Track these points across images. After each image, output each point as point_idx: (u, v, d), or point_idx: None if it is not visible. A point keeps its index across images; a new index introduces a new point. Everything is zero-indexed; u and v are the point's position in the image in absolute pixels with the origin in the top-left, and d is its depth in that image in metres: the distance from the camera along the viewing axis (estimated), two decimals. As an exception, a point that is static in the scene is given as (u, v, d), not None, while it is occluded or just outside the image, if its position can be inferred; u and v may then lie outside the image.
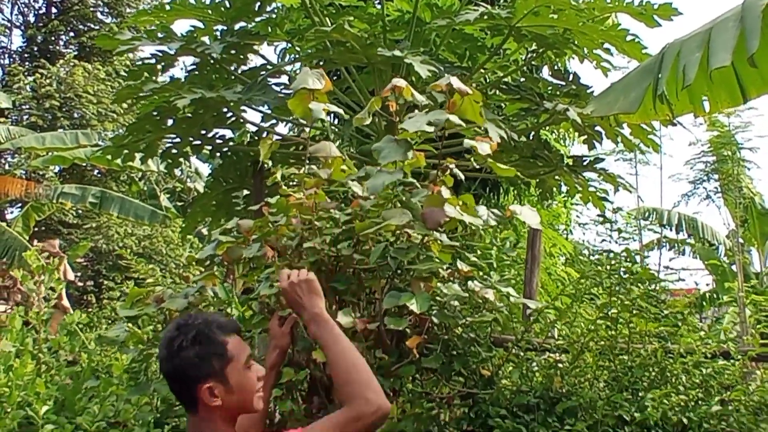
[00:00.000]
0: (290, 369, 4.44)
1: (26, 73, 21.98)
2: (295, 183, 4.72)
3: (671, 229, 15.66)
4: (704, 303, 14.19)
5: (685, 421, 4.56)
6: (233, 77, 7.40)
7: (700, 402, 4.72)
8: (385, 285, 4.42)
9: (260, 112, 7.61)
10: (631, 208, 15.54)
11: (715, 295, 14.66)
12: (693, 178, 15.57)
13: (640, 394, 4.76)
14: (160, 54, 7.20)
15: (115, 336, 4.99)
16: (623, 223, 15.57)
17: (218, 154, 8.14)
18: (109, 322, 5.78)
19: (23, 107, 20.92)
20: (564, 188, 7.95)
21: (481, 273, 4.88)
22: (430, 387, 4.69)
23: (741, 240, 14.71)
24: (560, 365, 5.09)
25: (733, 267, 14.65)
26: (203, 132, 7.57)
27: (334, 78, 7.27)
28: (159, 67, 7.28)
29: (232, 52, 7.16)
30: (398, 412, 4.41)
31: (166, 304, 4.71)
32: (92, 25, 23.79)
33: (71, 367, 5.37)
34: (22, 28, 25.50)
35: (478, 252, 5.29)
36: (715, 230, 15.99)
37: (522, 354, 5.00)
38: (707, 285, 16.08)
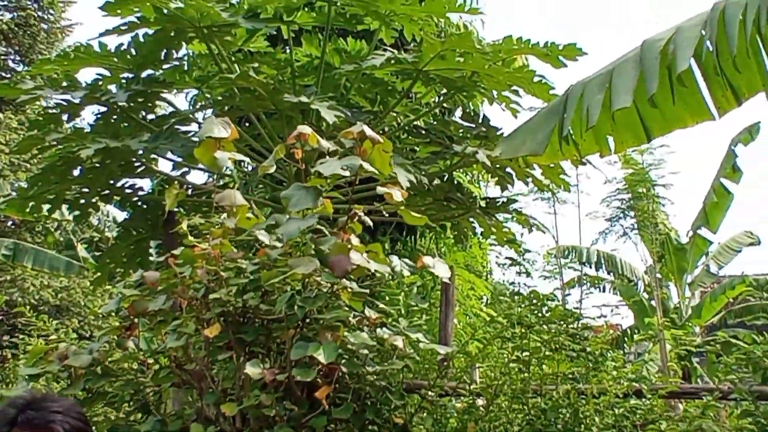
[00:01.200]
0: (197, 425, 4.40)
1: None
2: (204, 233, 4.69)
3: (591, 267, 15.78)
4: (626, 339, 14.44)
5: None
6: (141, 125, 7.28)
7: None
8: (293, 335, 4.36)
9: (171, 160, 7.52)
10: (551, 246, 15.76)
11: (636, 331, 14.91)
12: (610, 216, 15.84)
13: None
14: (65, 103, 7.09)
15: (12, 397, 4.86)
16: (543, 263, 15.75)
17: (128, 204, 8.02)
18: (8, 383, 5.54)
19: None
20: (479, 230, 8.04)
21: (390, 320, 4.87)
22: None
23: (659, 275, 14.95)
24: (474, 410, 5.09)
25: (653, 302, 14.91)
26: (111, 182, 7.44)
27: (246, 125, 7.24)
28: (64, 117, 7.18)
29: (139, 100, 7.07)
30: None
31: (69, 361, 4.60)
32: (3, 74, 23.62)
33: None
34: None
35: (387, 299, 5.30)
36: (634, 266, 16.14)
37: (437, 400, 4.99)
38: (623, 320, 16.40)
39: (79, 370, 4.62)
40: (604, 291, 16.53)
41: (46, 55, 22.20)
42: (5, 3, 25.12)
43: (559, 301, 8.34)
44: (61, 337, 5.94)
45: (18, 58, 24.31)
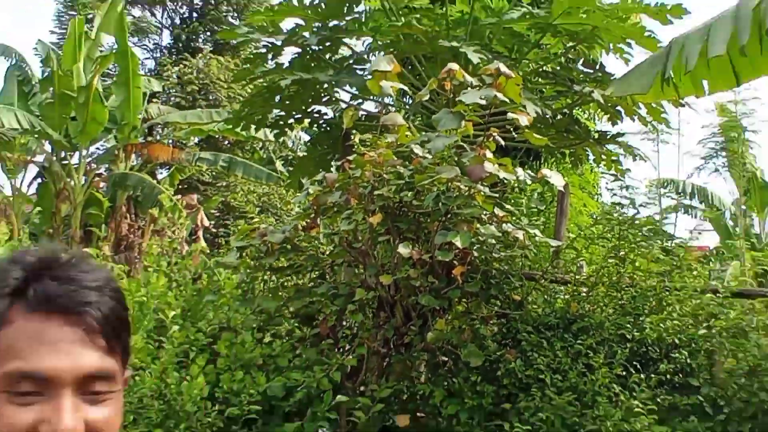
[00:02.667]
0: (362, 289, 4.68)
1: (173, 64, 22.27)
2: (372, 146, 4.90)
3: (686, 197, 15.56)
4: (712, 258, 14.14)
5: (676, 341, 4.62)
6: (327, 64, 7.43)
7: (689, 326, 4.76)
8: (437, 225, 4.58)
9: (348, 92, 7.65)
10: (653, 178, 15.55)
11: (721, 252, 14.65)
12: (704, 155, 15.52)
13: (640, 319, 4.81)
14: (270, 45, 7.33)
15: (229, 261, 5.31)
16: (645, 191, 15.47)
17: (315, 126, 8.23)
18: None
19: (170, 91, 21.38)
20: (591, 158, 8.00)
21: (514, 218, 4.94)
22: (473, 308, 4.78)
23: (743, 207, 14.58)
24: (577, 294, 5.14)
25: (737, 229, 14.61)
26: (303, 108, 7.66)
27: (408, 68, 7.39)
28: (269, 56, 7.40)
29: (327, 44, 7.23)
30: (447, 327, 4.59)
31: (267, 238, 4.96)
32: (224, 26, 24.19)
33: (195, 285, 5.62)
34: (170, 29, 25.67)
35: (512, 201, 5.41)
36: (722, 198, 15.75)
37: (548, 284, 5.08)
38: (713, 244, 16.14)
39: (275, 245, 4.94)
40: (695, 217, 16.11)
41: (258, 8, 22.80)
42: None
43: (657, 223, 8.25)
44: (262, 220, 6.35)
45: (235, 14, 24.81)
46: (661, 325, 4.80)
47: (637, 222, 5.53)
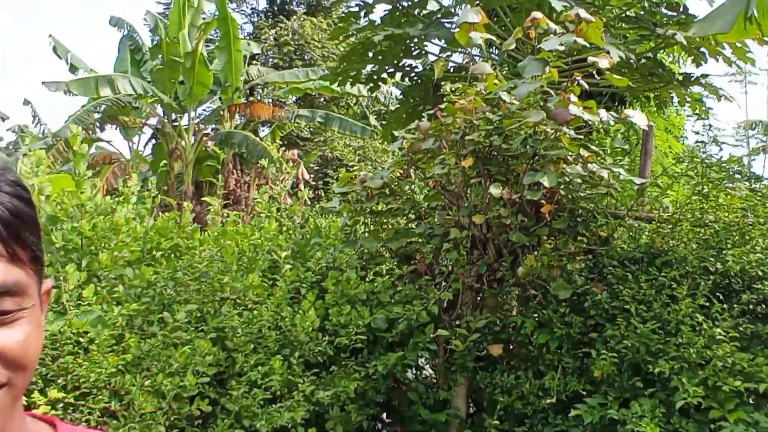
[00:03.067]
0: (456, 229, 4.78)
1: (269, 27, 22.62)
2: (462, 94, 4.94)
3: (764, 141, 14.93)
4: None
5: (759, 273, 4.52)
6: (416, 19, 7.33)
7: None
8: (525, 167, 4.57)
9: (438, 45, 7.57)
10: (741, 120, 14.94)
11: None
12: None
13: (723, 252, 4.72)
14: (362, 3, 7.34)
15: (332, 206, 5.48)
16: (732, 132, 14.95)
17: (407, 79, 8.18)
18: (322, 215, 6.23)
19: (268, 53, 21.55)
20: (676, 101, 7.82)
21: (599, 158, 4.90)
22: (561, 244, 4.75)
23: None
24: (661, 230, 5.07)
25: None
26: (395, 62, 7.63)
27: (494, 19, 7.33)
28: (362, 13, 7.37)
29: (415, 0, 7.26)
30: (537, 263, 4.61)
31: (367, 183, 5.06)
32: None
33: (302, 229, 5.81)
34: None
35: (597, 142, 5.37)
36: None
37: (632, 222, 5.04)
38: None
39: (374, 190, 5.01)
40: None
41: None
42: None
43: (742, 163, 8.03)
44: (361, 167, 6.48)
45: None
46: (744, 258, 4.63)
47: (721, 161, 5.43)
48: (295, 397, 4.15)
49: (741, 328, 4.36)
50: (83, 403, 3.43)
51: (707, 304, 4.46)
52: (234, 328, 4.25)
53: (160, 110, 15.95)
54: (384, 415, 5.10)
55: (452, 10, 7.17)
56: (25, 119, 17.23)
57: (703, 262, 4.66)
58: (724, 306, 4.49)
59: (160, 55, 15.34)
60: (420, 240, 5.09)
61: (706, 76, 7.08)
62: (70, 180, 4.38)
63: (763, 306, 4.55)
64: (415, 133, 5.01)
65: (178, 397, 3.73)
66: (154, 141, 17.58)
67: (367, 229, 5.30)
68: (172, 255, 4.53)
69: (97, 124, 15.86)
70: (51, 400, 3.25)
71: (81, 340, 3.59)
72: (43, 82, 15.11)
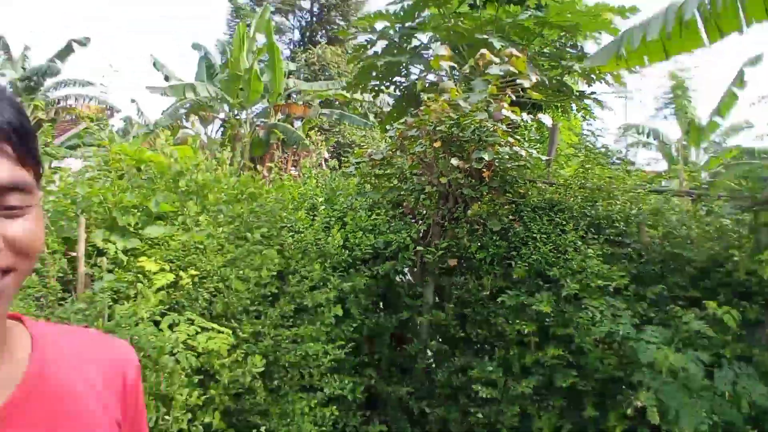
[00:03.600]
0: (429, 186, 4.97)
1: (302, 52, 22.55)
2: (433, 101, 4.99)
3: (644, 135, 15.12)
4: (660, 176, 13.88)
5: (618, 217, 4.68)
6: (404, 50, 7.34)
7: (628, 209, 4.78)
8: (474, 147, 4.68)
9: (418, 68, 7.58)
10: (622, 123, 15.18)
11: (667, 172, 14.39)
12: (658, 106, 15.16)
13: (596, 204, 4.83)
14: (368, 40, 7.45)
15: (350, 171, 5.60)
16: (615, 132, 15.16)
17: (397, 90, 8.21)
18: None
19: (300, 70, 21.40)
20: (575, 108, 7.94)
21: (520, 143, 4.91)
22: (495, 197, 4.78)
23: (684, 142, 14.13)
24: (559, 190, 5.12)
25: (679, 157, 14.26)
26: (390, 79, 7.69)
27: (456, 52, 7.45)
28: (369, 46, 7.50)
29: (404, 38, 7.21)
30: (480, 209, 4.70)
31: (373, 156, 5.18)
32: (334, 27, 24.13)
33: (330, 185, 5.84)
34: (299, 29, 25.82)
35: (520, 134, 5.52)
36: (670, 137, 15.24)
37: (541, 184, 5.12)
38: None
39: (377, 161, 5.19)
40: (651, 149, 15.65)
41: (356, 15, 22.73)
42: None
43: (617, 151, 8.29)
44: (368, 147, 6.60)
45: (341, 18, 24.68)
46: (609, 208, 4.77)
47: (601, 148, 5.65)
48: (328, 286, 4.19)
49: (604, 250, 4.38)
50: (205, 281, 3.54)
51: (584, 235, 4.53)
52: (289, 244, 4.32)
53: (226, 108, 16.03)
54: (381, 304, 5.04)
55: (428, 46, 7.20)
56: (131, 112, 17.15)
57: (582, 210, 4.74)
58: (595, 237, 4.53)
59: (227, 70, 15.38)
60: (405, 193, 5.06)
61: (594, 93, 7.25)
62: (189, 149, 4.56)
63: (620, 238, 4.64)
64: (403, 125, 5.10)
65: (258, 283, 3.83)
66: (222, 129, 17.64)
67: (372, 186, 5.33)
68: (251, 198, 4.58)
69: (183, 116, 15.96)
70: (190, 275, 3.40)
71: (200, 246, 3.68)
72: (146, 87, 15.18)
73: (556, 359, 4.06)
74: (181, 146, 4.57)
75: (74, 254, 3.21)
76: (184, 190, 4.09)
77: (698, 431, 3.10)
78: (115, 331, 2.85)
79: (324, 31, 24.70)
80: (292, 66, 18.91)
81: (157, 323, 3.03)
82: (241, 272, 3.81)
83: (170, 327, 3.09)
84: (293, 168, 13.54)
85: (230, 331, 3.34)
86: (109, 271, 3.15)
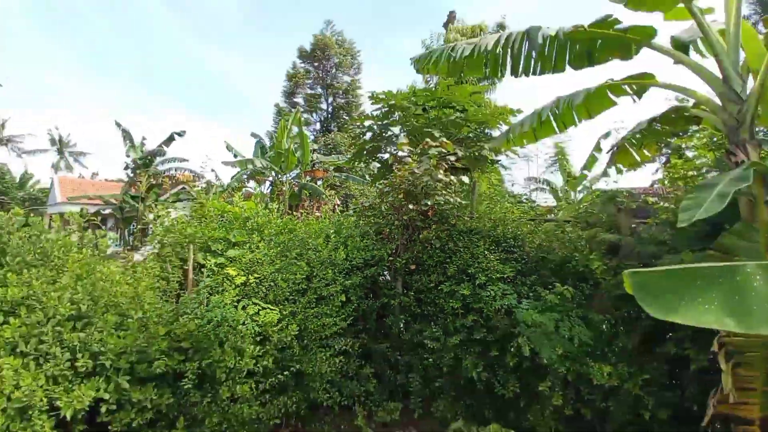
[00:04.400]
0: (397, 221, 5.25)
1: (321, 137, 22.92)
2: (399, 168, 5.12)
3: (540, 183, 15.38)
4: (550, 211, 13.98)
5: (511, 234, 4.89)
6: (383, 138, 7.00)
7: (522, 230, 5.00)
8: (423, 196, 4.78)
9: (392, 147, 7.34)
10: (525, 177, 15.43)
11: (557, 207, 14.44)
12: (547, 165, 15.40)
13: (497, 228, 4.84)
14: (361, 132, 7.51)
15: (349, 213, 5.84)
16: (521, 183, 15.35)
17: (379, 162, 7.87)
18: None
19: (320, 148, 21.60)
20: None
21: (453, 193, 4.93)
22: (436, 226, 4.82)
23: (566, 188, 14.39)
24: (475, 220, 5.07)
25: (562, 197, 14.41)
26: (375, 155, 7.52)
27: (413, 138, 6.78)
28: (363, 134, 7.42)
29: (383, 131, 7.07)
30: (428, 234, 4.79)
31: (364, 204, 5.37)
32: (341, 120, 24.50)
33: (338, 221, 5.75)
34: (320, 121, 26.03)
35: (453, 189, 5.77)
36: (557, 184, 15.52)
37: (465, 218, 5.05)
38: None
39: (366, 207, 5.37)
40: (545, 192, 15.74)
41: (360, 109, 23.09)
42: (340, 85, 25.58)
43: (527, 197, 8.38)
44: (361, 196, 6.77)
45: (346, 114, 25.01)
46: (504, 230, 4.77)
47: (510, 193, 5.81)
48: (336, 284, 4.29)
49: (501, 256, 4.50)
50: (263, 281, 3.70)
51: (489, 247, 4.64)
52: (312, 258, 4.39)
53: (273, 174, 16.36)
54: (370, 294, 4.88)
55: (397, 135, 7.12)
56: (211, 177, 17.45)
57: (488, 232, 4.84)
58: (495, 248, 4.64)
59: (273, 150, 15.80)
60: (383, 226, 5.06)
61: (498, 161, 7.45)
62: (252, 203, 4.86)
63: (510, 248, 4.70)
64: (382, 185, 5.28)
65: (294, 282, 4.00)
66: (270, 187, 17.89)
67: (363, 221, 5.31)
68: (289, 231, 4.70)
69: (245, 180, 16.28)
70: (254, 277, 3.60)
71: (259, 261, 3.89)
72: (221, 162, 15.56)
73: (473, 323, 4.27)
74: (248, 201, 4.88)
75: (186, 267, 3.56)
76: (249, 227, 4.36)
77: (550, 357, 3.45)
78: (212, 311, 3.21)
79: (335, 123, 25.11)
80: (315, 146, 19.36)
81: (235, 306, 3.37)
82: (283, 276, 4.04)
83: (243, 308, 3.43)
84: (317, 212, 13.82)
85: (277, 310, 3.64)
86: (208, 277, 3.51)
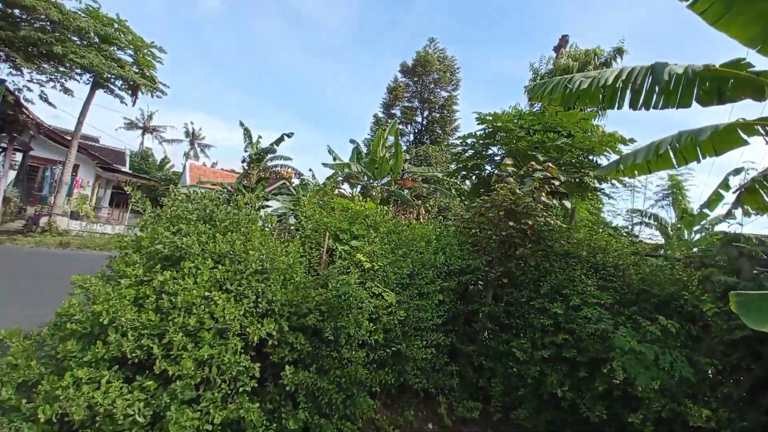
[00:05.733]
0: (494, 235, 5.60)
1: (413, 148, 23.48)
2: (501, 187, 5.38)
3: (649, 218, 14.30)
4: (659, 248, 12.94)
5: (608, 263, 4.89)
6: (484, 156, 7.39)
7: (625, 261, 5.07)
8: (523, 216, 4.95)
9: (490, 167, 7.57)
10: (629, 208, 14.42)
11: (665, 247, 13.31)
12: (657, 198, 14.29)
13: (595, 255, 4.82)
14: (463, 148, 7.72)
15: (449, 225, 6.25)
16: (625, 215, 14.42)
17: (475, 177, 8.05)
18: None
19: (412, 159, 22.14)
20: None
21: (554, 216, 5.13)
22: (535, 245, 5.01)
23: (679, 225, 13.26)
24: (574, 244, 5.04)
25: (673, 235, 13.24)
26: (474, 172, 7.60)
27: (516, 159, 6.88)
28: (462, 152, 7.77)
29: (483, 149, 7.44)
30: (527, 251, 5.20)
31: (463, 216, 5.89)
32: (434, 133, 24.90)
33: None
34: (414, 133, 26.74)
35: (554, 211, 5.84)
36: (668, 221, 14.21)
37: (563, 241, 5.05)
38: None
39: (465, 219, 5.87)
40: (653, 228, 14.48)
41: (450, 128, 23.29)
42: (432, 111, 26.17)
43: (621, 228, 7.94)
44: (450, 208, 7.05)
45: (439, 127, 25.42)
46: (604, 258, 4.85)
47: (609, 223, 5.71)
48: (435, 284, 4.57)
49: (599, 282, 4.53)
50: (378, 270, 4.26)
51: (587, 273, 4.68)
52: (415, 258, 4.71)
53: (365, 178, 17.37)
54: (461, 299, 5.06)
55: (497, 154, 7.30)
56: (308, 175, 18.83)
57: (589, 258, 4.85)
58: (593, 274, 4.68)
59: (368, 156, 16.79)
60: (480, 239, 5.11)
61: (602, 189, 7.28)
62: (372, 203, 5.48)
63: (609, 276, 4.67)
64: (482, 201, 5.34)
65: (400, 276, 4.43)
66: (361, 190, 18.96)
67: (461, 233, 5.46)
68: (398, 232, 5.15)
69: (340, 182, 17.53)
70: (373, 266, 4.23)
71: (375, 251, 4.63)
72: (322, 164, 16.96)
73: (563, 341, 4.39)
74: (370, 202, 5.54)
75: (322, 249, 4.31)
76: (368, 223, 4.94)
77: (646, 387, 3.55)
78: (338, 288, 3.87)
79: (429, 136, 25.67)
80: (407, 156, 19.81)
81: (361, 285, 3.99)
82: (392, 269, 4.55)
83: (366, 289, 4.04)
84: (413, 218, 14.28)
85: (394, 295, 4.17)
86: (340, 258, 4.20)
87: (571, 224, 5.76)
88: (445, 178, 13.94)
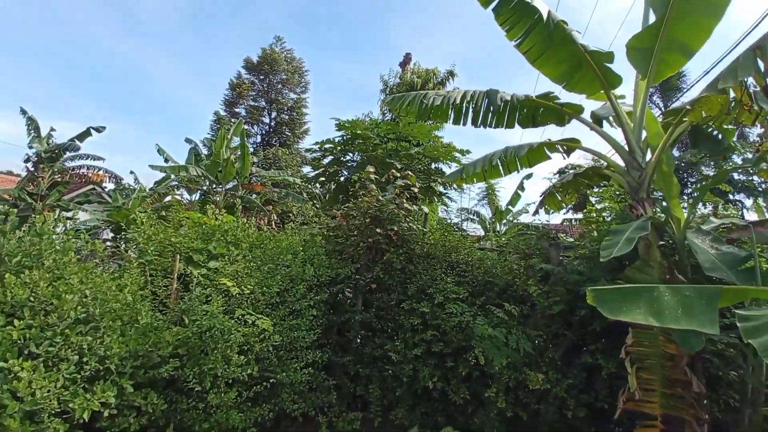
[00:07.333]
0: (362, 242, 5.47)
1: (262, 150, 22.26)
2: (363, 195, 5.48)
3: (472, 214, 16.77)
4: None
5: (463, 260, 5.63)
6: (342, 163, 7.82)
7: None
8: (387, 221, 5.11)
9: (346, 173, 7.84)
10: (458, 207, 16.68)
11: (485, 237, 15.70)
12: (479, 199, 16.66)
13: (450, 255, 5.17)
14: (321, 154, 7.89)
15: (314, 234, 6.15)
16: (456, 212, 16.49)
17: (335, 183, 8.24)
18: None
19: (260, 162, 21.02)
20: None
21: (412, 220, 5.39)
22: (397, 248, 5.26)
23: (493, 219, 15.80)
24: (427, 244, 5.32)
25: (490, 228, 15.85)
26: (333, 178, 7.91)
27: (377, 167, 7.05)
28: (320, 158, 7.86)
29: (342, 155, 7.70)
30: (390, 255, 5.32)
31: (329, 224, 5.77)
32: (283, 135, 24.18)
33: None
34: (261, 134, 25.44)
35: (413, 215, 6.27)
36: (485, 216, 16.63)
37: (420, 240, 5.31)
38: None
39: (331, 227, 5.79)
40: (475, 223, 17.04)
41: (305, 123, 22.72)
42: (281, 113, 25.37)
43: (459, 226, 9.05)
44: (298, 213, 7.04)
45: (288, 130, 24.76)
46: (458, 256, 5.24)
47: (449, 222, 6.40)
48: (307, 299, 4.43)
49: (456, 278, 4.71)
50: (245, 293, 3.96)
51: (446, 271, 4.98)
52: (283, 273, 4.48)
53: (207, 182, 15.72)
54: (332, 309, 4.94)
55: (355, 160, 7.53)
56: (129, 180, 16.20)
57: (444, 257, 5.16)
58: (451, 272, 4.99)
59: (210, 158, 15.26)
60: (348, 247, 5.22)
61: (445, 192, 8.34)
62: (230, 216, 4.86)
63: (463, 272, 5.02)
64: (347, 208, 5.39)
65: (269, 296, 4.13)
66: (202, 197, 17.06)
67: (328, 242, 5.48)
68: (261, 246, 4.75)
69: (174, 187, 15.41)
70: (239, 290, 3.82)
71: (239, 271, 4.13)
72: (150, 166, 14.64)
73: (432, 337, 4.69)
74: (227, 214, 4.93)
75: (172, 276, 3.63)
76: (227, 240, 4.41)
77: (501, 365, 4.11)
78: (208, 319, 3.33)
79: (277, 138, 24.77)
80: (255, 159, 18.90)
81: (229, 315, 3.50)
82: (261, 289, 4.17)
83: (236, 318, 3.56)
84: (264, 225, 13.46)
85: (268, 320, 3.78)
86: (198, 286, 3.60)
87: (425, 227, 6.16)
88: (296, 182, 13.62)
